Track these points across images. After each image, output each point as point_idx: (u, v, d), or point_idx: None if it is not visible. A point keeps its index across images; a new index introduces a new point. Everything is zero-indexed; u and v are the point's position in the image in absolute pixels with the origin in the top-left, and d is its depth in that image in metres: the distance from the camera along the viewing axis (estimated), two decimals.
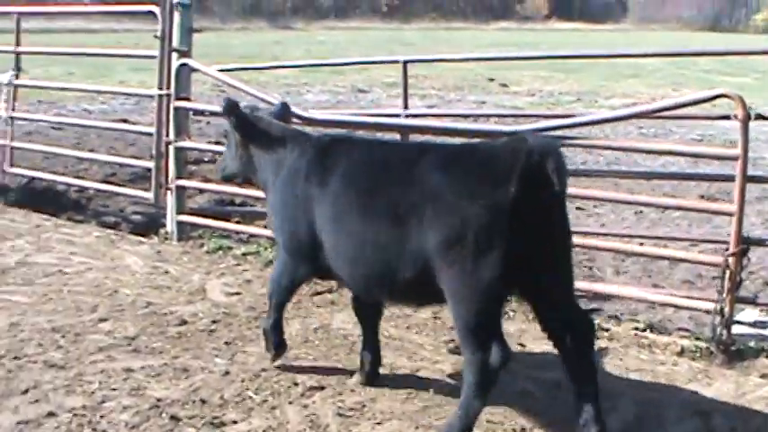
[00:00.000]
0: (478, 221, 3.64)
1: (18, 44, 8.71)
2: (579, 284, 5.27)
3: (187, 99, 7.27)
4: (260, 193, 6.28)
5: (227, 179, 5.33)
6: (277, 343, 4.84)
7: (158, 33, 7.34)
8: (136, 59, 13.58)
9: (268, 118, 4.92)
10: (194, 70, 7.22)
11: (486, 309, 3.77)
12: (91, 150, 11.55)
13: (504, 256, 3.63)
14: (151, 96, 7.36)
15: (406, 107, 6.76)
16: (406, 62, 6.66)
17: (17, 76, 8.74)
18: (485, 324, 3.77)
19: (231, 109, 4.79)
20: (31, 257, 6.82)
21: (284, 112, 5.08)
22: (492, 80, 23.33)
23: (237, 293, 6.14)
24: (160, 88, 7.36)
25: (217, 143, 10.33)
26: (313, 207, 4.32)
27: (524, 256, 3.67)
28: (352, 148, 4.41)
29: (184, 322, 5.51)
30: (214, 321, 5.55)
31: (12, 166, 9.06)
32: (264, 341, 4.91)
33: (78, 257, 6.82)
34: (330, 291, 6.13)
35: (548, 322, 3.95)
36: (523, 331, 5.47)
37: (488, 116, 14.77)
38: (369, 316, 4.71)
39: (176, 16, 7.28)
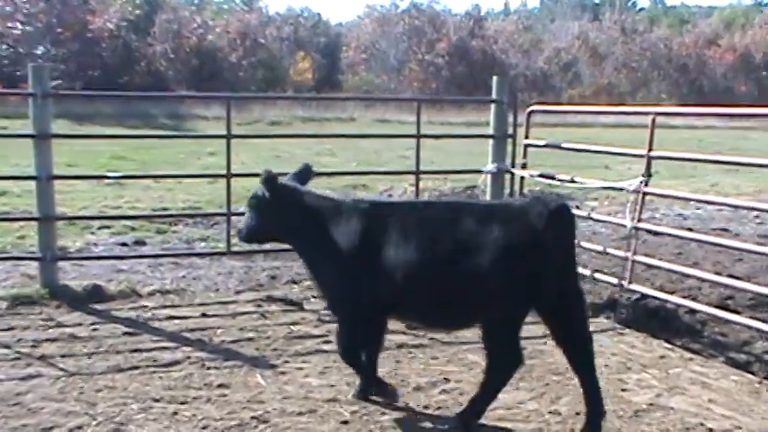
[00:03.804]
0: (518, 261, 4.76)
1: (651, 148, 7.88)
2: None
3: None
4: None
5: (250, 242, 5.96)
6: (367, 379, 5.54)
7: None
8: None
9: (303, 188, 5.62)
10: None
11: (514, 324, 4.93)
12: (695, 264, 10.36)
13: (533, 286, 4.81)
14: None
15: None
16: None
17: (646, 183, 7.92)
18: (511, 334, 4.91)
19: (270, 180, 5.44)
20: (662, 399, 5.84)
21: (308, 173, 5.83)
22: None
23: None
24: None
25: None
26: (375, 262, 5.04)
27: (545, 284, 4.83)
28: (397, 211, 5.29)
29: None
30: None
31: (630, 282, 8.23)
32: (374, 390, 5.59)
33: (719, 408, 5.64)
34: None
35: (559, 336, 5.06)
36: None
37: None
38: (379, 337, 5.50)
39: None
